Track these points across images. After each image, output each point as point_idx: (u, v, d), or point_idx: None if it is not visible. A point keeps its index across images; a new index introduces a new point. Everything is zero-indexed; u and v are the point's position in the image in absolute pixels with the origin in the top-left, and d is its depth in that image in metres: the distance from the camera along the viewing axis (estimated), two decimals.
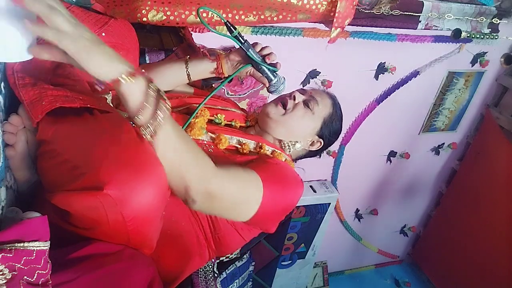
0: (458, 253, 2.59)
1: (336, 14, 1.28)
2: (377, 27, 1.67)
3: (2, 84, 0.69)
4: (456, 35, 1.71)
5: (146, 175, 0.57)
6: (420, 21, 1.70)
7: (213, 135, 0.93)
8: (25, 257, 0.49)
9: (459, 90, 2.21)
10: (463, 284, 2.57)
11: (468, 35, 1.73)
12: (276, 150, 0.99)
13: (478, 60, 2.10)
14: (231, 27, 0.91)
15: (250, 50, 0.93)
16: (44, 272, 0.51)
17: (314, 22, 1.55)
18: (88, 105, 0.67)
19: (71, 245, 0.60)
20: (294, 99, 1.02)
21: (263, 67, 0.95)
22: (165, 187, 0.61)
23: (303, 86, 1.82)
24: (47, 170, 0.65)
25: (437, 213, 2.77)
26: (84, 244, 0.60)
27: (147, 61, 1.17)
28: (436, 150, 2.48)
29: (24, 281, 0.49)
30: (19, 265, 0.48)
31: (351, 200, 2.47)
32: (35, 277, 0.50)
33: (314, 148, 1.07)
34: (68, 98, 0.67)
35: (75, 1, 0.91)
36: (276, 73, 0.97)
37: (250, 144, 0.96)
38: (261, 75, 0.96)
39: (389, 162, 2.40)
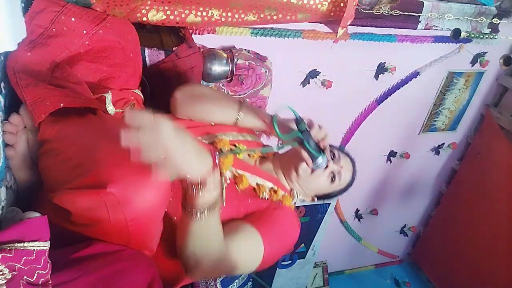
0: (458, 253, 2.59)
1: (345, 15, 1.28)
2: (377, 27, 1.67)
3: (2, 84, 0.69)
4: (455, 35, 1.71)
5: (150, 176, 0.56)
6: (420, 21, 1.70)
7: (236, 174, 0.93)
8: (25, 257, 0.49)
9: (459, 90, 2.21)
10: (463, 284, 2.57)
11: (468, 35, 1.73)
12: (286, 195, 1.01)
13: (478, 60, 2.10)
14: (300, 121, 0.91)
15: (309, 140, 0.91)
16: (44, 272, 0.51)
17: (314, 22, 1.55)
18: (91, 106, 0.68)
19: (72, 246, 0.60)
20: (326, 167, 0.99)
21: (312, 152, 0.92)
22: (167, 189, 0.61)
23: (303, 86, 1.82)
24: (49, 169, 0.65)
25: (437, 213, 2.77)
26: (85, 244, 0.60)
27: (147, 62, 1.17)
28: (436, 150, 2.48)
29: (24, 281, 0.49)
30: (19, 265, 0.48)
31: (351, 200, 2.47)
32: (35, 277, 0.50)
33: (307, 200, 1.10)
34: (71, 98, 0.67)
35: (74, 0, 0.91)
36: (323, 155, 0.93)
37: (266, 187, 0.97)
38: (306, 155, 0.93)
39: (389, 162, 2.40)
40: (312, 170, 0.97)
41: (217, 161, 0.65)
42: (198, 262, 0.71)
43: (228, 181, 0.90)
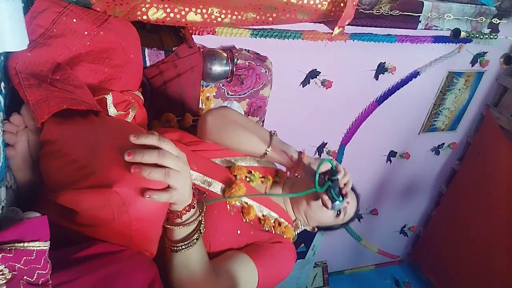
0: (458, 253, 2.59)
1: (343, 14, 1.28)
2: (376, 27, 1.68)
3: (2, 84, 0.69)
4: (455, 35, 1.71)
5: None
6: (420, 21, 1.70)
7: (245, 205, 0.94)
8: (25, 257, 0.49)
9: (459, 90, 2.21)
10: (463, 284, 2.57)
11: (468, 35, 1.73)
12: (289, 226, 1.02)
13: (478, 60, 2.11)
14: (334, 172, 0.92)
15: (336, 187, 0.92)
16: (44, 272, 0.51)
17: (314, 22, 1.55)
18: (94, 108, 0.68)
19: (73, 246, 0.60)
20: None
21: (336, 199, 0.92)
22: None
23: (303, 86, 1.82)
24: (52, 170, 0.65)
25: (437, 213, 2.77)
26: (86, 245, 0.60)
27: (147, 62, 1.17)
28: (436, 150, 2.48)
29: (24, 281, 0.49)
30: (19, 265, 0.48)
31: None
32: (35, 277, 0.50)
33: (308, 229, 1.11)
34: (74, 100, 0.68)
35: (75, 0, 0.91)
36: (342, 200, 0.94)
37: (271, 218, 0.99)
38: (327, 198, 0.93)
39: (389, 162, 2.40)
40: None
41: (195, 202, 0.69)
42: None
43: (234, 210, 0.91)
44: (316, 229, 1.12)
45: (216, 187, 0.91)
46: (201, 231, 0.72)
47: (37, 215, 0.54)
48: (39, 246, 0.51)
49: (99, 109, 0.72)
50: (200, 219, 0.71)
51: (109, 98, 0.84)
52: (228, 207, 0.90)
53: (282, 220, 1.01)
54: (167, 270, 0.73)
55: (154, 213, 0.60)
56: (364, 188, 2.47)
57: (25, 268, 0.49)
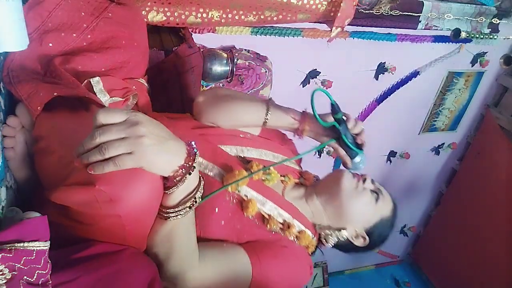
0: (458, 253, 2.59)
1: (339, 14, 1.28)
2: (377, 27, 1.68)
3: (2, 84, 0.69)
4: (455, 35, 1.71)
5: (139, 171, 0.55)
6: (420, 21, 1.71)
7: (244, 198, 0.84)
8: (25, 257, 0.49)
9: (459, 90, 2.21)
10: (463, 284, 2.57)
11: (468, 35, 1.73)
12: (305, 231, 0.90)
13: (478, 60, 2.11)
14: (336, 108, 0.88)
15: (346, 133, 0.87)
16: (44, 272, 0.51)
17: (314, 22, 1.55)
18: (85, 96, 0.67)
19: (73, 246, 0.60)
20: (364, 182, 0.96)
21: (351, 147, 0.87)
22: (158, 184, 0.59)
23: (303, 86, 1.82)
24: (44, 168, 0.65)
25: (437, 213, 2.77)
26: (85, 245, 0.60)
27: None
28: (436, 150, 2.48)
29: (24, 281, 0.49)
30: (19, 265, 0.48)
31: None
32: (35, 277, 0.50)
33: (356, 242, 0.98)
34: (64, 89, 0.67)
35: None
36: (361, 152, 0.89)
37: (279, 218, 0.87)
38: (344, 152, 0.89)
39: (389, 162, 2.40)
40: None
41: (195, 161, 0.60)
42: (161, 265, 0.67)
43: (235, 201, 0.83)
44: (366, 238, 0.97)
45: (216, 172, 0.84)
46: (196, 199, 0.63)
47: (37, 215, 0.54)
48: (39, 246, 0.51)
49: (92, 97, 0.70)
50: (193, 186, 0.63)
51: (95, 81, 0.79)
52: (227, 197, 0.81)
53: (295, 222, 0.89)
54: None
55: (144, 206, 0.58)
56: None
57: (25, 268, 0.49)
